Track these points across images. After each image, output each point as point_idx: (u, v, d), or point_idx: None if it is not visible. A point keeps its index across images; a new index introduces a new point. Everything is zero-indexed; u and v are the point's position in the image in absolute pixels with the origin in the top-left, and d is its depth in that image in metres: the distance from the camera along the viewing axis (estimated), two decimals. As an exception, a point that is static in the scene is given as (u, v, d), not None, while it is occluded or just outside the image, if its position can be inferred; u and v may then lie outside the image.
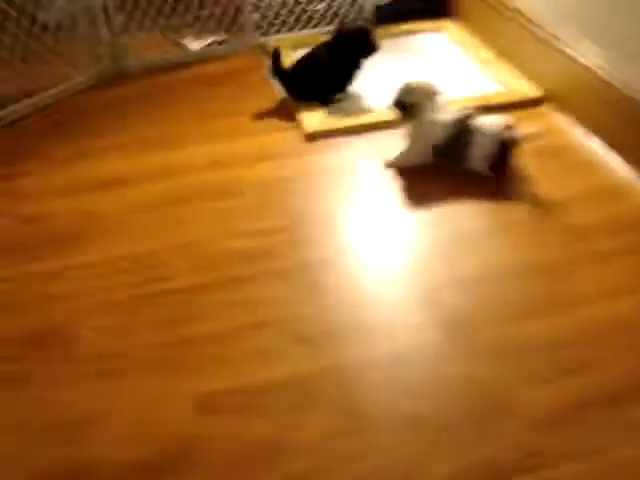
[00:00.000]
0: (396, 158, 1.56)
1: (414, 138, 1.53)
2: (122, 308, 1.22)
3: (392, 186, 1.51)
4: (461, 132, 1.45)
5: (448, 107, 1.51)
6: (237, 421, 1.00)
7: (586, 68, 1.62)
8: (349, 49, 1.79)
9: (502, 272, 1.26)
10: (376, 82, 1.90)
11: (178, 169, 1.60)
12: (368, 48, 1.79)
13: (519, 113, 1.71)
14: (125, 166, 1.63)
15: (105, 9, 1.98)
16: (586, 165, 1.55)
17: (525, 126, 1.48)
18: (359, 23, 1.91)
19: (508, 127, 1.45)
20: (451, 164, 1.50)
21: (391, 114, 1.57)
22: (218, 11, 2.12)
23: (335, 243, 1.36)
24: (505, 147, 1.44)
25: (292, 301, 1.21)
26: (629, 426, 0.96)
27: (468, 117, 1.47)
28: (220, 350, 1.12)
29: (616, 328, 1.12)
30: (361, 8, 2.22)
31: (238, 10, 2.12)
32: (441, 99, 1.51)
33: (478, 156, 1.44)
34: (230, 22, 2.14)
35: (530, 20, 1.84)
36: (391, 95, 1.54)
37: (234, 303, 1.21)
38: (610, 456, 0.93)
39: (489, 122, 1.46)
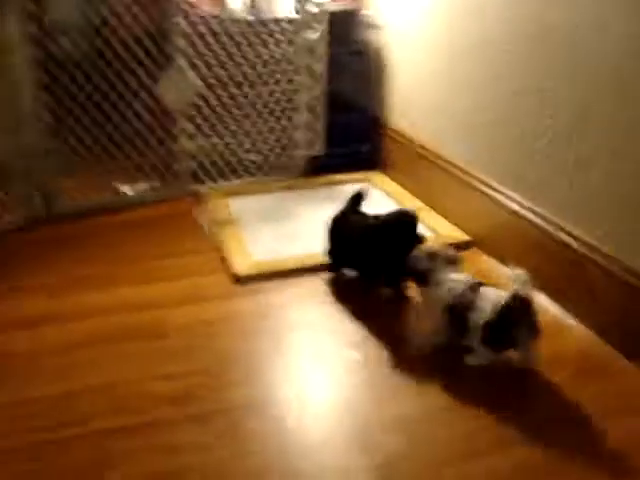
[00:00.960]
0: (420, 338, 1.44)
1: (427, 305, 1.43)
2: (32, 454, 1.11)
3: (319, 328, 1.49)
4: (465, 299, 1.32)
5: (461, 272, 1.40)
6: None
7: (509, 211, 1.70)
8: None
9: (432, 412, 1.23)
10: (309, 228, 1.93)
11: (103, 309, 1.54)
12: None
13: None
14: (50, 306, 1.56)
15: (40, 152, 1.98)
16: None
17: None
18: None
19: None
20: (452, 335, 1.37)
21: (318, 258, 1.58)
22: (155, 159, 2.15)
23: (260, 386, 1.30)
24: (508, 316, 1.26)
25: (213, 446, 1.13)
26: None
27: (476, 285, 1.34)
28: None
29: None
30: (294, 159, 2.30)
31: (174, 158, 2.16)
32: (458, 265, 1.41)
33: (474, 326, 1.30)
34: (166, 168, 2.17)
35: (455, 167, 1.94)
36: (406, 263, 1.44)
37: (151, 448, 1.12)
38: None
39: (493, 291, 1.31)
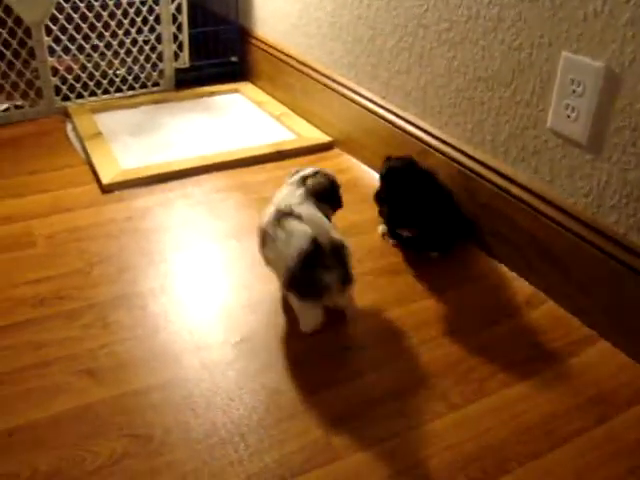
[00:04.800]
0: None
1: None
2: None
3: (184, 227, 1.56)
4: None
5: None
6: (22, 459, 0.96)
7: (366, 110, 1.78)
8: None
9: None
10: (180, 138, 1.98)
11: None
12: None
13: (312, 157, 1.85)
14: None
15: None
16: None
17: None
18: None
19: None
20: None
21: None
22: (15, 76, 2.09)
23: (127, 281, 1.36)
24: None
25: (81, 338, 1.19)
26: (404, 415, 1.05)
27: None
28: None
29: (396, 331, 1.23)
30: (162, 72, 2.29)
31: (36, 74, 2.10)
32: None
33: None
34: (28, 86, 2.11)
35: (316, 71, 2.00)
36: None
37: (16, 346, 1.17)
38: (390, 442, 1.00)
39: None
